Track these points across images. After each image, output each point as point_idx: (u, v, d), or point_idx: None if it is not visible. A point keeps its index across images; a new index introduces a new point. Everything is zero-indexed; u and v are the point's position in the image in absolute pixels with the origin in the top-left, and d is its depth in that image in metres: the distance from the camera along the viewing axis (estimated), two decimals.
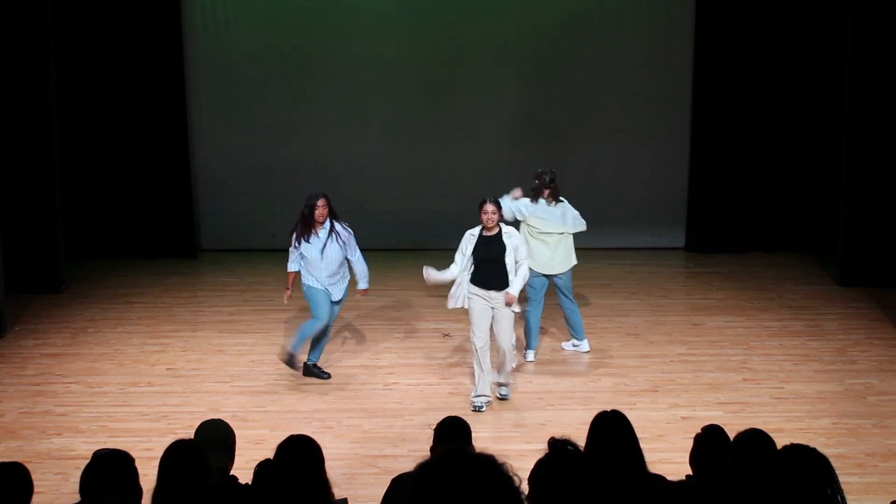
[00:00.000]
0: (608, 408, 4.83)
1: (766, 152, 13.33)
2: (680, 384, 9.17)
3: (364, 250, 9.54)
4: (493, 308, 8.53)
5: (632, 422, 4.74)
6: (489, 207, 8.47)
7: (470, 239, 8.56)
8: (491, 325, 8.57)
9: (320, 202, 8.98)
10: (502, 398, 8.81)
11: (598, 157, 13.57)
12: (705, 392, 8.98)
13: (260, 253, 13.52)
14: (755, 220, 13.49)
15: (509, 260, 8.48)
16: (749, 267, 12.93)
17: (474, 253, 8.48)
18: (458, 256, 8.60)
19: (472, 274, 8.54)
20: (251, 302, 11.67)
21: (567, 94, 13.64)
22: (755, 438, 4.78)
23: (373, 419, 8.45)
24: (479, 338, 8.54)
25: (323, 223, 9.04)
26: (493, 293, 8.50)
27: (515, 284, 8.49)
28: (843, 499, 3.94)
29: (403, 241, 13.50)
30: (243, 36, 13.51)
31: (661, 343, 10.22)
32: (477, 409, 8.56)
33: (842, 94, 12.10)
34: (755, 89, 13.20)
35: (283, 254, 13.05)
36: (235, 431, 5.22)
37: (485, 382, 8.63)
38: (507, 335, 8.59)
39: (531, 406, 8.72)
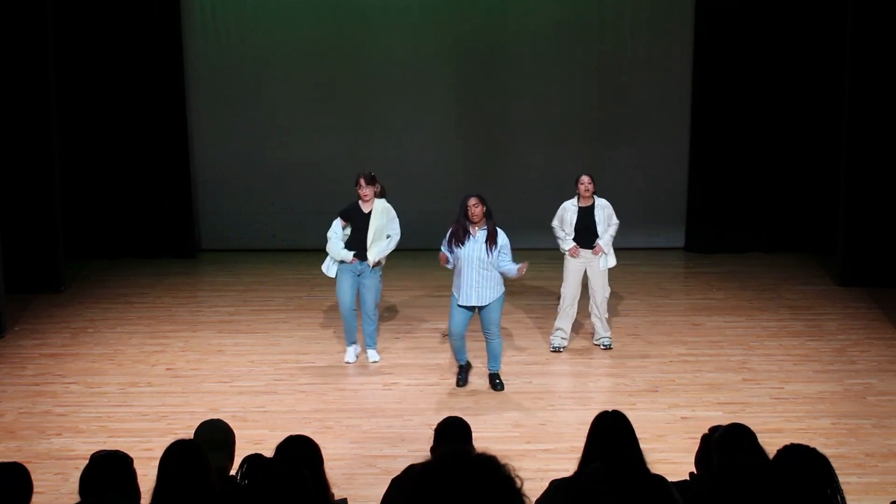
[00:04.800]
0: (608, 408, 4.83)
1: (766, 152, 13.33)
2: (680, 384, 9.17)
3: None
4: (586, 266, 9.71)
5: (632, 422, 4.74)
6: (585, 178, 9.61)
7: (570, 210, 9.69)
8: (586, 282, 9.79)
9: (472, 201, 8.73)
10: (606, 348, 9.93)
11: (598, 158, 13.56)
12: (705, 392, 8.98)
13: (260, 253, 13.54)
14: (754, 220, 13.49)
15: (601, 229, 9.68)
16: (749, 267, 12.93)
17: (575, 222, 9.64)
18: (557, 222, 9.78)
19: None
20: (251, 302, 11.67)
21: (567, 94, 13.64)
22: (736, 434, 4.71)
23: (373, 419, 8.44)
24: (568, 289, 9.75)
25: (479, 223, 8.78)
26: (587, 252, 9.69)
27: (604, 238, 9.66)
28: (843, 499, 3.94)
29: (403, 241, 13.44)
30: (243, 36, 13.52)
31: (661, 343, 10.22)
32: (555, 350, 9.89)
33: (842, 94, 12.10)
34: (755, 90, 13.20)
35: (283, 254, 13.03)
36: (235, 431, 5.22)
37: (562, 324, 9.81)
38: (601, 290, 9.77)
39: (531, 406, 8.73)
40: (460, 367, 9.19)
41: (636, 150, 13.70)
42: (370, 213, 9.37)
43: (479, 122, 13.73)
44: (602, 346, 10.00)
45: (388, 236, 9.44)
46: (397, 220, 9.47)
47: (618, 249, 9.75)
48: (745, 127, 13.28)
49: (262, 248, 13.64)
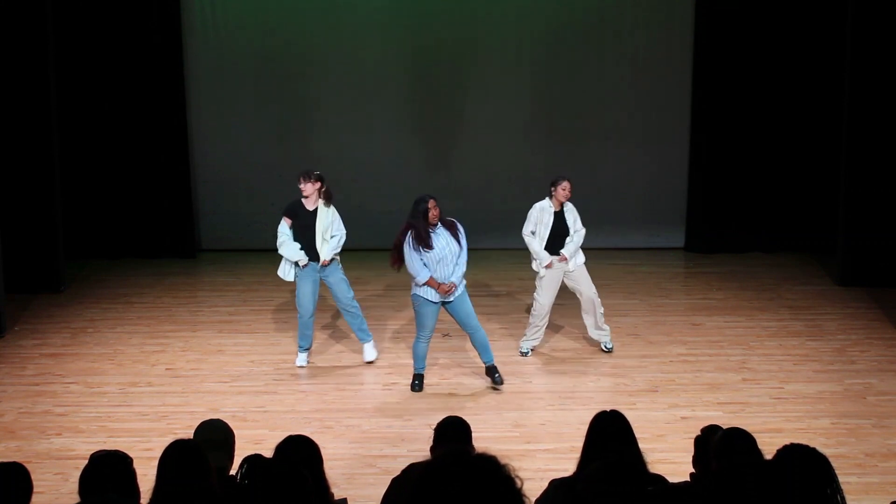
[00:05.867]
0: (608, 408, 4.83)
1: (766, 152, 13.34)
2: (679, 384, 9.17)
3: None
4: (563, 272, 9.56)
5: (631, 422, 4.74)
6: (568, 184, 9.46)
7: (547, 211, 9.50)
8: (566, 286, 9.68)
9: (432, 202, 8.63)
10: (608, 350, 9.83)
11: (598, 158, 13.57)
12: (705, 392, 8.97)
13: (259, 253, 13.51)
14: (755, 220, 13.50)
15: (571, 232, 9.59)
16: (749, 267, 12.93)
17: (552, 227, 9.47)
18: (533, 228, 9.54)
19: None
20: (250, 302, 11.67)
21: (567, 95, 13.64)
22: (735, 437, 4.71)
23: (373, 419, 8.44)
24: (546, 298, 9.58)
25: (436, 225, 8.73)
26: (555, 259, 9.53)
27: (569, 249, 9.50)
28: (843, 499, 3.94)
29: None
30: (243, 36, 13.51)
31: (661, 343, 10.22)
32: (523, 354, 9.78)
33: (841, 94, 12.10)
34: (754, 90, 13.20)
35: None
36: (235, 431, 5.21)
37: (534, 333, 9.72)
38: (588, 287, 9.65)
39: (531, 406, 8.73)
40: (421, 375, 9.10)
41: (636, 150, 13.69)
42: (315, 211, 9.34)
43: (478, 123, 13.71)
44: (604, 348, 9.88)
45: (332, 236, 9.36)
46: (340, 220, 9.40)
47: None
48: (744, 127, 13.27)
49: (262, 248, 13.61)
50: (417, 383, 9.06)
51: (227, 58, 13.53)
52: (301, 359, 9.64)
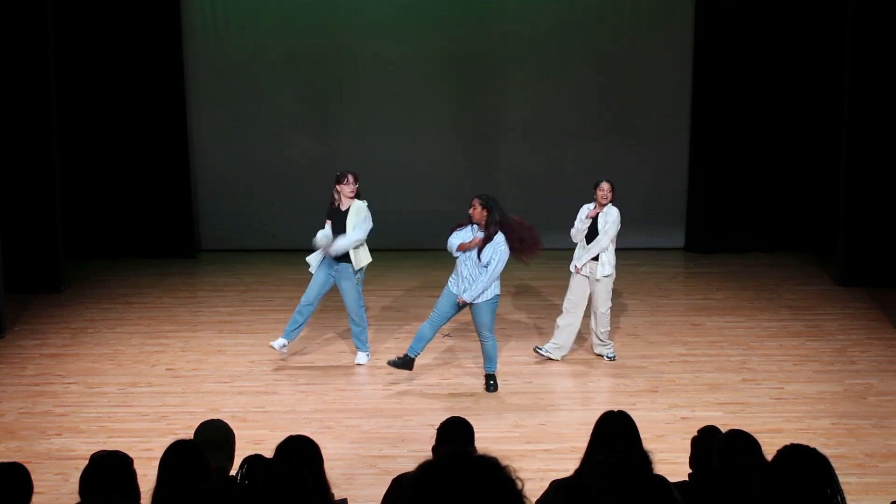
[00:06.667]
0: (608, 408, 4.83)
1: (766, 152, 13.34)
2: (680, 384, 9.17)
3: None
4: (589, 280, 9.43)
5: None
6: (605, 185, 9.35)
7: (585, 211, 9.45)
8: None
9: (473, 201, 8.75)
10: (611, 359, 9.64)
11: (598, 158, 13.56)
12: (705, 392, 8.97)
13: (259, 253, 13.53)
14: (754, 221, 13.50)
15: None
16: (749, 267, 12.94)
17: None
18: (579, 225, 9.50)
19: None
20: (250, 302, 11.67)
21: (567, 94, 13.64)
22: (738, 439, 4.73)
23: (373, 419, 8.44)
24: (568, 300, 9.53)
25: (481, 226, 8.73)
26: (590, 264, 9.42)
27: (582, 256, 9.41)
28: (843, 499, 3.94)
29: (403, 241, 13.48)
30: (243, 36, 13.51)
31: (661, 343, 10.22)
32: (538, 352, 9.67)
33: (841, 94, 12.10)
34: (755, 90, 13.21)
35: (283, 254, 13.05)
36: (235, 432, 5.21)
37: (559, 337, 9.57)
38: (600, 304, 9.44)
39: (531, 406, 8.73)
40: (406, 356, 8.96)
41: (636, 150, 13.69)
42: (347, 210, 9.37)
43: (479, 124, 13.72)
44: (606, 359, 9.68)
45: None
46: (369, 220, 9.39)
47: (618, 249, 9.62)
48: (744, 127, 13.28)
49: (262, 248, 13.64)
50: (400, 360, 8.97)
51: (227, 58, 13.53)
52: (278, 342, 9.48)
